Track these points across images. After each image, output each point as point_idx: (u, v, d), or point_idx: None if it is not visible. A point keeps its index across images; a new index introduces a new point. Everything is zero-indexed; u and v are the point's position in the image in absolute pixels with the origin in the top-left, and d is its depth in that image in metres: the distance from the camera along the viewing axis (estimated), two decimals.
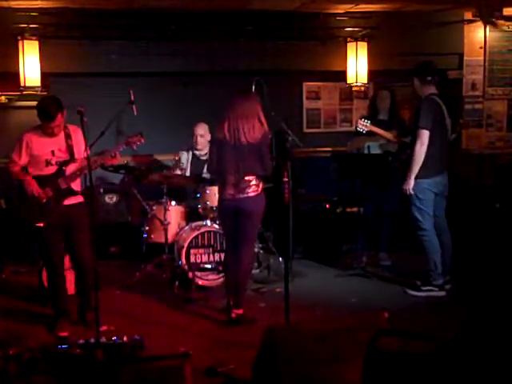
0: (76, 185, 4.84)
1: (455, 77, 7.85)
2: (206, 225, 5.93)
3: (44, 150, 4.69)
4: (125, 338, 3.93)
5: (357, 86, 7.56)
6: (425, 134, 5.42)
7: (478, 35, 7.81)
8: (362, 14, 7.30)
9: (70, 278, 5.03)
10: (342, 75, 7.54)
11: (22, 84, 6.59)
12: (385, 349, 2.59)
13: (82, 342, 3.88)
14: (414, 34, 7.43)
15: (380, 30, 7.37)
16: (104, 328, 4.41)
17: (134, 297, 5.71)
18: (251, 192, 4.85)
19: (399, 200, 6.37)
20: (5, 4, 6.26)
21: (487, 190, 7.27)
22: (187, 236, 5.87)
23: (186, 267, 5.80)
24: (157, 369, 2.87)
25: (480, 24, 7.71)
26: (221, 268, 5.69)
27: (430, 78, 5.54)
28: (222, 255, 5.69)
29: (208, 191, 5.97)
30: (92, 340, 3.90)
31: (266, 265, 6.34)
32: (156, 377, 2.83)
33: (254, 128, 4.77)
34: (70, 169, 4.75)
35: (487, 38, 7.81)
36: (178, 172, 6.44)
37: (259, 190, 4.89)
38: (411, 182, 5.51)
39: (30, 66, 6.56)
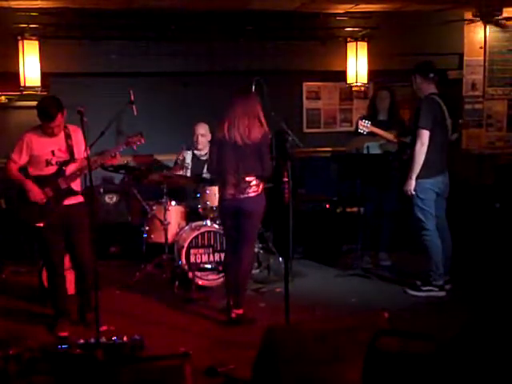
0: (76, 185, 4.84)
1: (455, 77, 7.85)
2: (206, 225, 5.93)
3: (44, 149, 4.69)
4: (125, 338, 3.93)
5: (357, 86, 7.57)
6: (425, 134, 5.42)
7: (478, 35, 7.81)
8: (362, 14, 7.30)
9: (70, 278, 5.03)
10: (341, 75, 7.54)
11: (22, 84, 6.59)
12: (385, 349, 2.59)
13: (82, 341, 3.87)
14: (414, 33, 7.44)
15: (380, 30, 7.38)
16: (104, 328, 4.41)
17: (134, 297, 5.71)
18: (251, 192, 4.85)
19: (399, 200, 6.38)
20: (5, 4, 6.27)
21: (487, 190, 7.27)
22: (187, 236, 5.87)
23: (186, 267, 5.80)
24: (157, 369, 2.87)
25: (480, 24, 7.71)
26: (221, 268, 5.69)
27: (432, 75, 5.54)
28: (222, 255, 5.69)
29: (208, 191, 5.97)
30: (92, 340, 3.89)
31: (265, 265, 6.34)
32: (156, 377, 2.83)
33: (253, 128, 4.77)
34: (70, 169, 4.75)
35: (487, 38, 7.82)
36: (182, 172, 6.44)
37: (259, 190, 4.90)
38: (412, 183, 5.50)
39: (30, 66, 6.56)
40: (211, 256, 5.88)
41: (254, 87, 5.27)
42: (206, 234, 5.86)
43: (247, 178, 4.82)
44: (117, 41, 6.94)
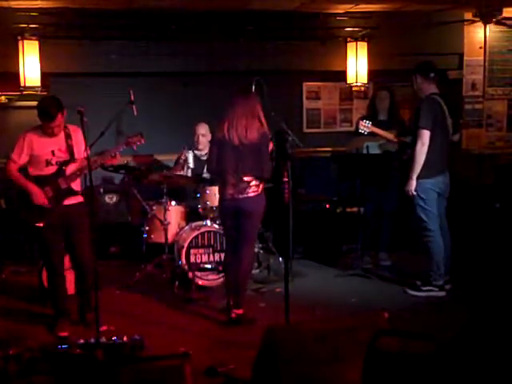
0: (76, 185, 4.84)
1: (455, 77, 7.85)
2: (206, 225, 5.93)
3: (44, 149, 4.68)
4: (125, 338, 3.93)
5: (357, 85, 7.57)
6: (425, 134, 5.41)
7: (478, 35, 7.81)
8: (362, 14, 7.30)
9: (70, 278, 5.03)
10: (342, 75, 7.54)
11: (22, 84, 6.59)
12: (385, 349, 2.59)
13: (82, 341, 3.87)
14: (414, 34, 7.44)
15: (380, 29, 7.38)
16: (104, 328, 4.41)
17: (134, 297, 5.71)
18: (251, 192, 4.85)
19: (399, 200, 6.38)
20: (5, 4, 6.27)
21: (487, 190, 7.27)
22: (187, 236, 5.87)
23: (186, 267, 5.80)
24: (157, 369, 2.87)
25: (480, 24, 7.71)
26: (221, 268, 5.69)
27: (433, 75, 5.54)
28: (222, 255, 5.69)
29: (208, 191, 5.97)
30: (92, 340, 3.89)
31: (265, 265, 6.34)
32: (156, 377, 2.83)
33: (253, 128, 4.77)
34: (70, 169, 4.75)
35: (487, 38, 7.82)
36: (182, 172, 6.45)
37: (259, 190, 4.90)
38: (413, 183, 5.50)
39: (30, 65, 6.56)
40: (211, 256, 5.88)
41: (253, 87, 5.27)
42: (206, 234, 5.86)
43: (246, 178, 4.82)
44: (117, 41, 6.94)
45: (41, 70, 6.60)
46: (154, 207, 6.21)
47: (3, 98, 7.03)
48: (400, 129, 6.29)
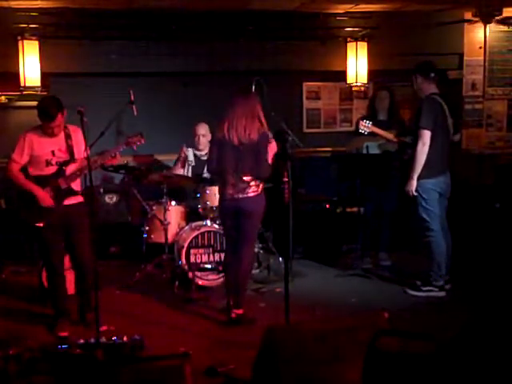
0: (76, 185, 4.84)
1: (455, 77, 7.85)
2: (206, 225, 5.93)
3: (44, 150, 4.68)
4: (125, 338, 3.93)
5: (357, 85, 7.57)
6: (426, 134, 5.41)
7: (478, 35, 7.81)
8: (362, 14, 7.30)
9: (70, 278, 5.04)
10: (341, 75, 7.54)
11: (22, 84, 6.59)
12: (385, 349, 2.59)
13: (82, 341, 3.87)
14: (414, 34, 7.44)
15: (380, 29, 7.38)
16: (104, 328, 4.41)
17: (134, 297, 5.71)
18: (251, 192, 4.85)
19: (399, 200, 6.39)
20: (5, 4, 6.27)
21: (487, 190, 7.27)
22: (187, 236, 5.87)
23: (186, 267, 5.80)
24: (157, 369, 2.87)
25: (480, 24, 7.71)
26: (221, 268, 5.69)
27: (433, 75, 5.54)
28: (222, 255, 5.69)
29: (208, 191, 5.97)
30: (92, 340, 3.90)
31: (265, 265, 6.34)
32: (156, 377, 2.83)
33: (252, 128, 4.77)
34: (70, 169, 4.75)
35: (487, 38, 7.82)
36: (181, 169, 6.44)
37: (259, 190, 4.90)
38: (414, 183, 5.49)
39: (30, 65, 6.56)
40: (211, 256, 5.88)
41: (254, 87, 5.27)
42: (206, 234, 5.86)
43: (246, 178, 4.83)
44: (117, 41, 6.94)
45: (41, 70, 6.60)
46: (154, 207, 6.21)
47: (3, 98, 7.02)
48: (400, 129, 6.29)
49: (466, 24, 7.75)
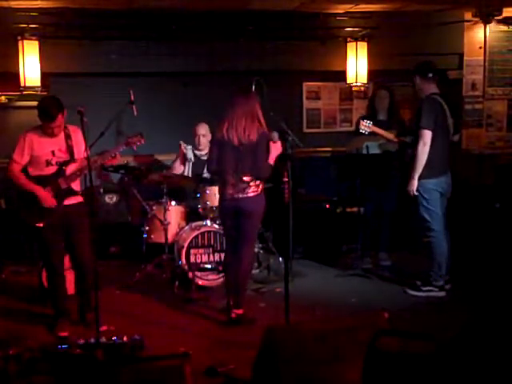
0: (76, 185, 4.84)
1: (455, 77, 7.85)
2: (206, 225, 5.93)
3: (44, 150, 4.68)
4: (125, 338, 3.94)
5: (357, 85, 7.57)
6: (427, 134, 5.41)
7: (478, 35, 7.81)
8: (361, 14, 7.30)
9: (70, 277, 5.04)
10: (341, 75, 7.54)
11: (22, 84, 6.59)
12: (385, 349, 2.59)
13: (81, 342, 3.88)
14: (414, 34, 7.43)
15: (380, 29, 7.38)
16: (104, 328, 4.41)
17: (134, 297, 5.71)
18: (251, 192, 4.85)
19: (399, 200, 6.38)
20: (5, 4, 6.27)
21: (487, 190, 7.27)
22: (187, 236, 5.87)
23: (186, 267, 5.80)
24: (157, 369, 2.87)
25: (480, 24, 7.71)
26: (221, 268, 5.69)
27: (431, 75, 5.54)
28: (222, 255, 5.69)
29: (208, 191, 5.97)
30: (92, 340, 3.90)
31: (265, 265, 6.34)
32: (156, 377, 2.83)
33: (251, 129, 4.77)
34: (70, 169, 4.75)
35: (487, 38, 7.82)
36: (181, 166, 6.42)
37: (259, 190, 4.90)
38: (415, 183, 5.49)
39: (30, 65, 6.56)
40: (211, 256, 5.88)
41: (253, 87, 5.27)
42: (206, 234, 5.86)
43: (245, 178, 4.83)
44: (117, 41, 6.94)
45: (41, 69, 6.60)
46: (154, 207, 6.21)
47: (3, 98, 7.02)
48: (400, 128, 6.29)
49: (465, 24, 7.75)
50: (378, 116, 6.44)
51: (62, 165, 4.72)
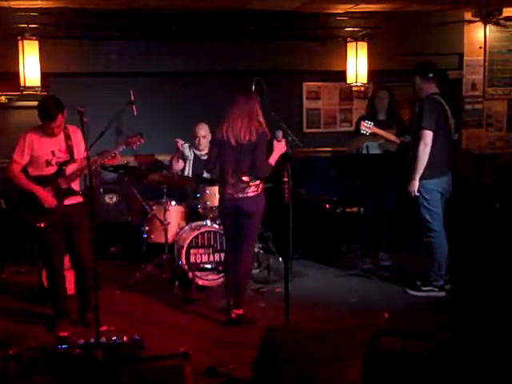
0: (76, 185, 4.84)
1: (455, 77, 7.85)
2: (206, 225, 5.93)
3: (44, 150, 4.68)
4: (125, 338, 3.94)
5: (357, 85, 7.57)
6: (428, 135, 5.40)
7: (478, 35, 7.82)
8: (361, 14, 7.31)
9: (70, 277, 5.03)
10: (341, 75, 7.54)
11: (22, 84, 6.60)
12: (385, 349, 2.59)
13: (82, 342, 3.88)
14: (414, 33, 7.44)
15: (380, 29, 7.38)
16: (104, 328, 4.40)
17: (134, 297, 5.71)
18: (251, 192, 4.85)
19: (399, 200, 6.38)
20: (5, 4, 6.27)
21: (487, 190, 7.27)
22: (187, 236, 5.87)
23: (186, 267, 5.80)
24: (157, 369, 2.87)
25: (480, 24, 7.72)
26: (221, 268, 5.69)
27: (431, 75, 5.53)
28: (222, 255, 5.69)
29: (208, 191, 5.97)
30: (92, 340, 3.90)
31: (265, 265, 6.34)
32: (156, 377, 2.83)
33: (252, 128, 4.76)
34: (70, 169, 4.75)
35: (487, 38, 7.82)
36: (180, 163, 6.43)
37: (259, 190, 4.90)
38: (416, 183, 5.48)
39: (30, 65, 6.57)
40: (211, 256, 5.88)
41: (253, 87, 5.27)
42: (206, 234, 5.86)
43: (245, 178, 4.83)
44: (117, 41, 6.95)
45: (41, 70, 6.61)
46: (154, 207, 6.21)
47: (3, 98, 7.02)
48: (399, 129, 6.28)
49: (465, 24, 7.75)
50: (377, 116, 6.44)
51: (62, 165, 4.72)
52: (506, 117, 8.09)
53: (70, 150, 4.73)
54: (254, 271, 5.88)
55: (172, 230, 6.10)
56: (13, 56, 6.56)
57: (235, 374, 3.90)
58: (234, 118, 4.79)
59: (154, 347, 4.03)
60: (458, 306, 5.26)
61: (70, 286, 5.02)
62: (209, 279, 5.83)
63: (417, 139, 5.49)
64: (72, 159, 4.74)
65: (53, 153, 4.69)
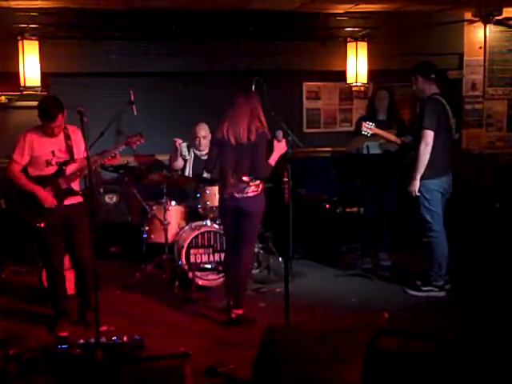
0: (76, 185, 4.84)
1: (455, 77, 7.85)
2: (206, 225, 5.93)
3: (44, 150, 4.69)
4: (125, 338, 3.94)
5: (357, 85, 7.57)
6: (429, 135, 5.40)
7: (478, 35, 7.82)
8: (361, 14, 7.31)
9: (70, 278, 5.04)
10: (341, 75, 7.54)
11: (22, 84, 6.60)
12: (385, 349, 2.59)
13: (82, 342, 3.88)
14: (414, 33, 7.44)
15: (380, 30, 7.38)
16: (104, 328, 4.40)
17: (134, 297, 5.71)
18: (251, 192, 4.85)
19: (399, 200, 6.38)
20: (5, 4, 6.27)
21: (487, 190, 7.27)
22: (187, 236, 5.87)
23: (186, 267, 5.80)
24: (157, 369, 2.86)
25: (480, 24, 7.71)
26: (221, 268, 5.69)
27: (433, 76, 5.53)
28: (222, 255, 5.69)
29: (208, 191, 5.97)
30: (92, 340, 3.90)
31: (265, 265, 6.34)
32: (156, 377, 2.83)
33: (252, 128, 4.76)
34: (70, 169, 4.75)
35: (487, 38, 7.82)
36: (180, 161, 6.42)
37: (259, 190, 4.90)
38: (417, 183, 5.48)
39: (30, 66, 6.57)
40: (211, 256, 5.88)
41: (253, 87, 5.27)
42: (206, 234, 5.86)
43: (245, 178, 4.83)
44: (117, 41, 6.94)
45: (41, 70, 6.60)
46: (154, 207, 6.21)
47: (3, 98, 7.02)
48: (400, 129, 6.28)
49: (466, 24, 7.75)
50: (377, 116, 6.44)
51: (62, 165, 4.73)
52: (506, 117, 8.09)
53: (69, 150, 4.73)
54: (254, 271, 5.88)
55: (172, 229, 6.10)
56: (13, 56, 6.56)
57: (235, 374, 3.91)
58: (235, 117, 4.79)
59: (154, 347, 4.03)
60: (458, 306, 5.26)
61: (70, 286, 5.02)
62: (209, 279, 5.83)
63: (418, 139, 5.49)
64: (72, 159, 4.74)
65: (53, 153, 4.70)
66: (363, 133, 6.00)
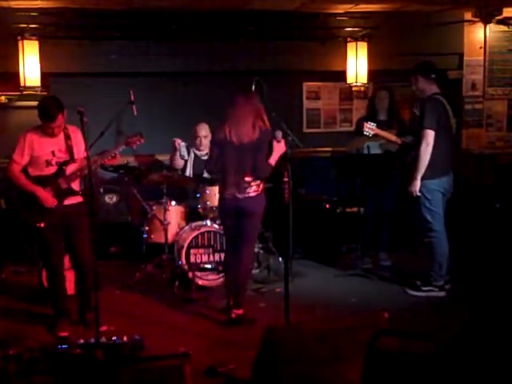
0: (76, 185, 4.84)
1: (455, 77, 7.85)
2: (206, 225, 5.93)
3: (44, 150, 4.69)
4: (125, 338, 3.94)
5: (357, 85, 7.57)
6: (430, 135, 5.40)
7: (478, 35, 7.82)
8: (361, 14, 7.31)
9: (70, 277, 5.04)
10: (341, 75, 7.54)
11: (22, 84, 6.60)
12: (385, 349, 2.59)
13: (82, 341, 3.88)
14: (414, 34, 7.44)
15: (380, 29, 7.38)
16: (104, 328, 4.40)
17: (134, 297, 5.71)
18: (251, 192, 4.85)
19: (399, 200, 6.38)
20: (5, 4, 6.27)
21: (487, 190, 7.27)
22: (187, 236, 5.87)
23: (186, 267, 5.80)
24: (157, 369, 2.87)
25: (480, 24, 7.71)
26: (221, 268, 5.69)
27: (434, 76, 5.53)
28: (222, 255, 5.69)
29: (208, 191, 5.97)
30: (92, 340, 3.90)
31: (265, 265, 6.34)
32: (156, 377, 2.83)
33: (254, 128, 4.76)
34: (70, 169, 4.75)
35: (487, 38, 7.82)
36: (180, 160, 6.42)
37: (260, 190, 4.90)
38: (418, 183, 5.47)
39: (30, 65, 6.57)
40: (211, 256, 5.88)
41: (254, 87, 5.27)
42: (206, 234, 5.86)
43: (246, 178, 4.82)
44: (117, 41, 6.94)
45: (41, 70, 6.60)
46: (154, 207, 6.21)
47: (3, 97, 7.02)
48: (400, 129, 6.28)
49: (466, 24, 7.75)
50: (378, 116, 6.43)
51: (62, 165, 4.73)
52: (506, 117, 8.09)
53: (69, 150, 4.73)
54: (254, 271, 5.88)
55: (172, 229, 6.10)
56: (13, 56, 6.56)
57: (235, 374, 3.91)
58: (237, 117, 4.78)
59: (154, 347, 4.03)
60: (458, 306, 5.26)
61: (70, 286, 5.02)
62: (209, 279, 5.83)
63: (418, 139, 5.49)
64: (72, 159, 4.74)
65: (53, 153, 4.70)
66: (365, 133, 5.99)
